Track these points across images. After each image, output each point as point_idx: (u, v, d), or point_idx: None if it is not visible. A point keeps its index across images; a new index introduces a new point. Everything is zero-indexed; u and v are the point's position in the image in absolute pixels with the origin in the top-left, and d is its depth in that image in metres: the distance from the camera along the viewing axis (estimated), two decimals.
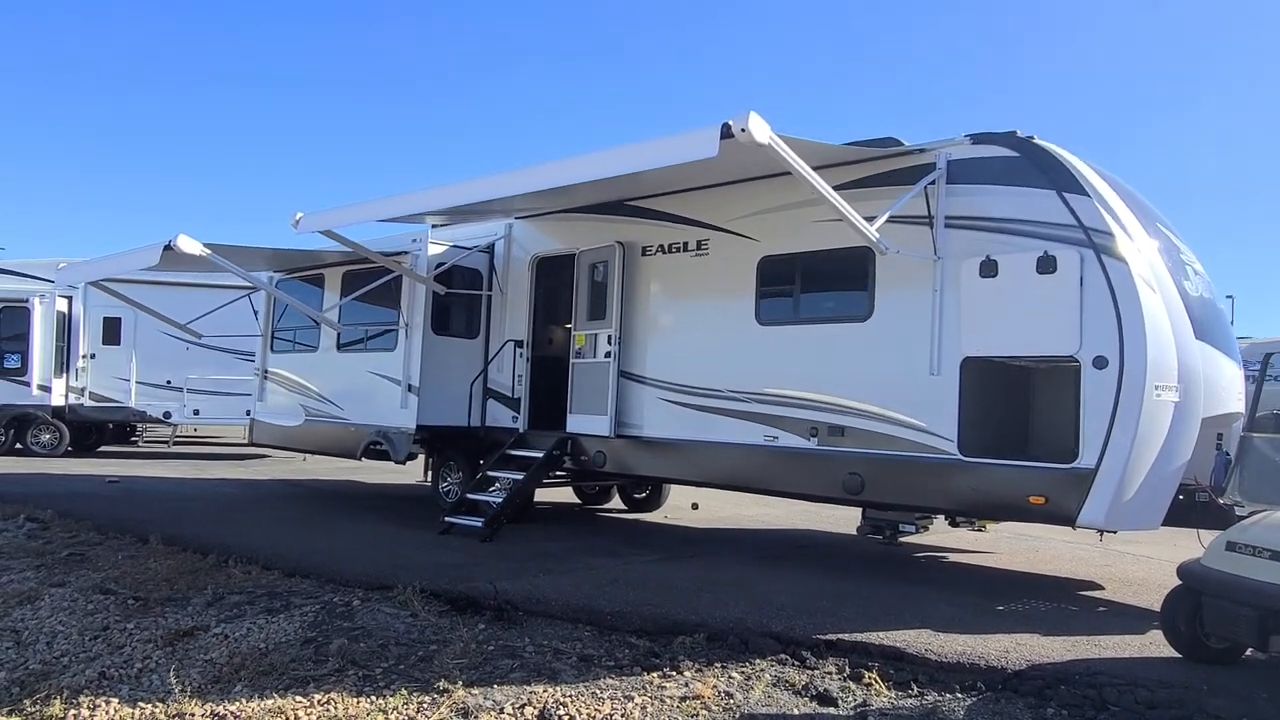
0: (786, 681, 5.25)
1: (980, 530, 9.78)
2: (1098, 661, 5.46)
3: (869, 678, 5.25)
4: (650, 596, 6.83)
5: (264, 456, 20.09)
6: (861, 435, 7.64)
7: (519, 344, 10.68)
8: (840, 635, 5.90)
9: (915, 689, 5.18)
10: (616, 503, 12.71)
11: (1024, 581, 8.07)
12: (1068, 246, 6.67)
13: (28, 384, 18.13)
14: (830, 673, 5.43)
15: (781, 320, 8.36)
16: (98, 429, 20.23)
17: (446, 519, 9.63)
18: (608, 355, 9.49)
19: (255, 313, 13.00)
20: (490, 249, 11.09)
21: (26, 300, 18.03)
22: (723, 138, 5.48)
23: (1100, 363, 6.47)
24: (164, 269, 10.62)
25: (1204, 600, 5.17)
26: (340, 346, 11.76)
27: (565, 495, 13.09)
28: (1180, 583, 5.42)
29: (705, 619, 6.22)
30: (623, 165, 6.31)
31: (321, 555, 8.36)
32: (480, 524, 9.27)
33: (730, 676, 5.33)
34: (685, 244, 9.14)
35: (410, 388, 10.40)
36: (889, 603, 6.81)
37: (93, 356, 18.92)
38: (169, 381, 19.17)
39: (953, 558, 9.24)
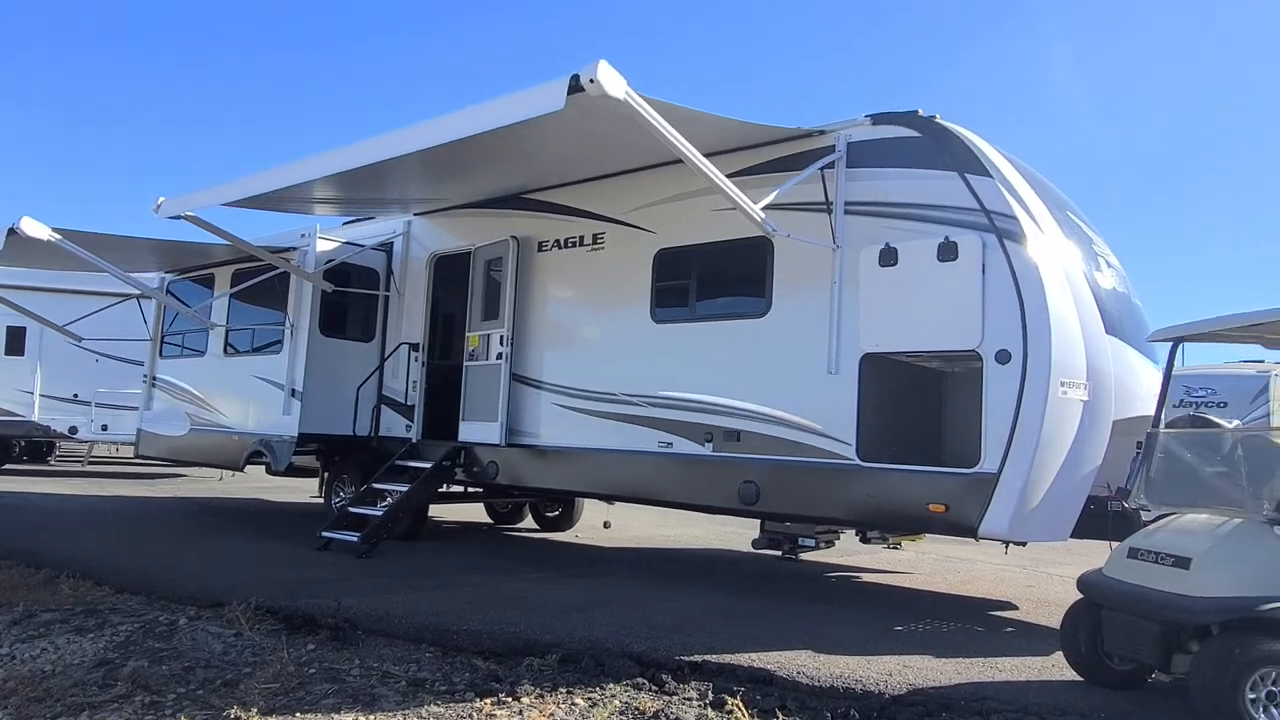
0: (636, 709, 4.57)
1: (895, 548, 9.20)
2: (989, 685, 4.85)
3: (731, 704, 4.59)
4: (514, 615, 6.13)
5: (181, 475, 19.09)
6: (758, 440, 7.03)
7: (414, 348, 9.99)
8: (710, 657, 5.24)
9: (781, 717, 4.53)
10: (530, 522, 11.98)
11: (935, 601, 7.48)
12: (969, 231, 6.15)
13: None
14: (690, 698, 4.76)
15: (677, 318, 7.76)
16: (3, 446, 19.06)
17: (324, 534, 8.85)
18: (499, 357, 8.83)
19: (145, 318, 12.19)
20: (389, 247, 10.43)
21: None
22: (571, 91, 4.89)
23: (1003, 357, 5.93)
24: (16, 262, 9.80)
25: (1104, 615, 4.60)
26: (227, 350, 10.99)
27: (478, 514, 12.36)
28: (1081, 596, 4.85)
29: (564, 639, 5.53)
30: (470, 126, 5.69)
31: (173, 570, 7.56)
32: (357, 539, 8.50)
33: (574, 703, 4.64)
34: (581, 238, 8.55)
35: (294, 392, 9.65)
36: (777, 623, 6.16)
37: None
38: (76, 395, 18.10)
39: (866, 577, 8.63)
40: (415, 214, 10.27)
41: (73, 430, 18.28)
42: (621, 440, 7.91)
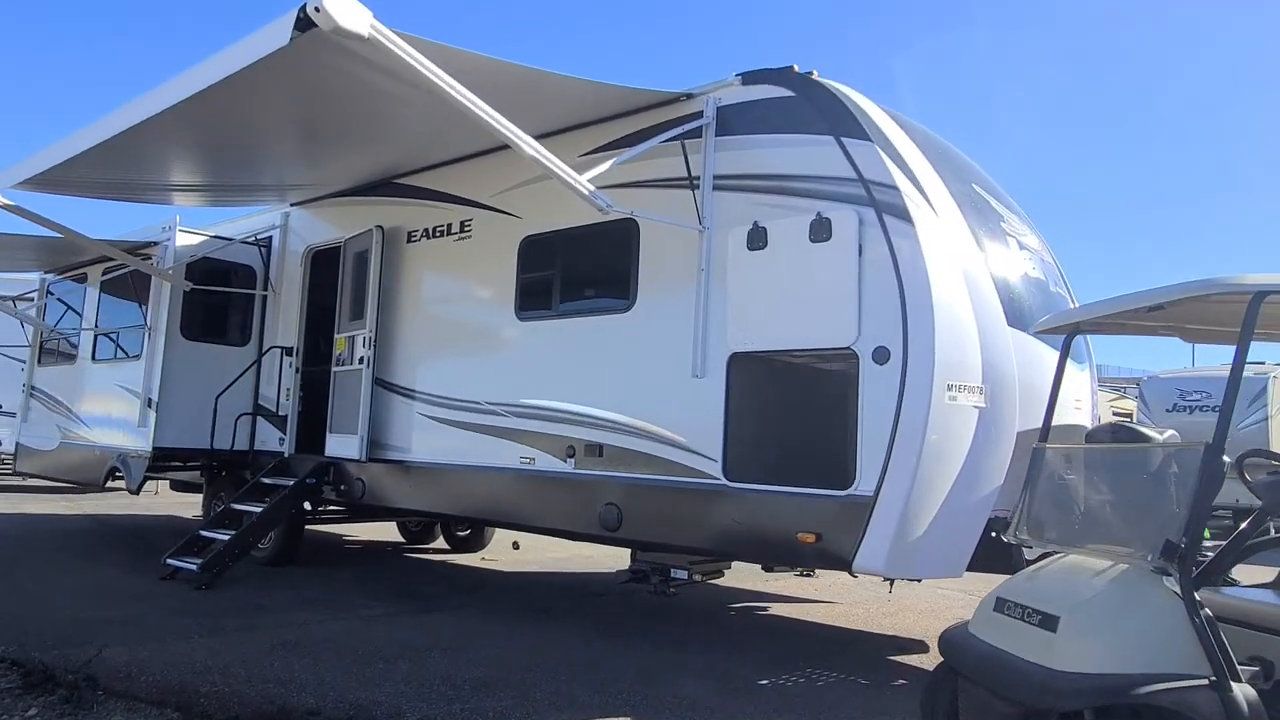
0: None
1: (807, 575, 8.19)
2: None
3: None
4: (300, 669, 5.12)
5: (113, 490, 18.07)
6: (620, 456, 6.03)
7: (288, 352, 9.02)
8: None
9: None
10: (442, 542, 10.99)
11: (833, 641, 6.45)
12: (844, 206, 5.14)
13: None
14: None
15: (542, 314, 6.77)
16: None
17: (168, 561, 7.87)
18: (362, 361, 7.86)
19: (21, 322, 11.29)
20: (267, 242, 9.48)
21: None
22: (301, 28, 3.92)
23: (881, 356, 4.91)
24: None
25: (961, 685, 3.57)
26: (95, 356, 10.06)
27: (391, 532, 11.39)
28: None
29: (334, 703, 4.53)
30: (208, 76, 4.73)
31: None
32: (197, 568, 7.53)
33: None
34: (449, 226, 7.57)
35: (150, 402, 8.69)
36: (613, 677, 5.14)
37: None
38: (1, 406, 17.23)
39: (776, 609, 7.60)
40: (293, 204, 9.33)
41: None
42: (484, 455, 6.91)
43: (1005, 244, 5.59)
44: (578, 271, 6.67)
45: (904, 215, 4.98)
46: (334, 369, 8.28)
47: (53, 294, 11.15)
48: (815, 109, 5.42)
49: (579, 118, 6.27)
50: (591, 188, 5.09)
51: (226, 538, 7.78)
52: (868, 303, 4.99)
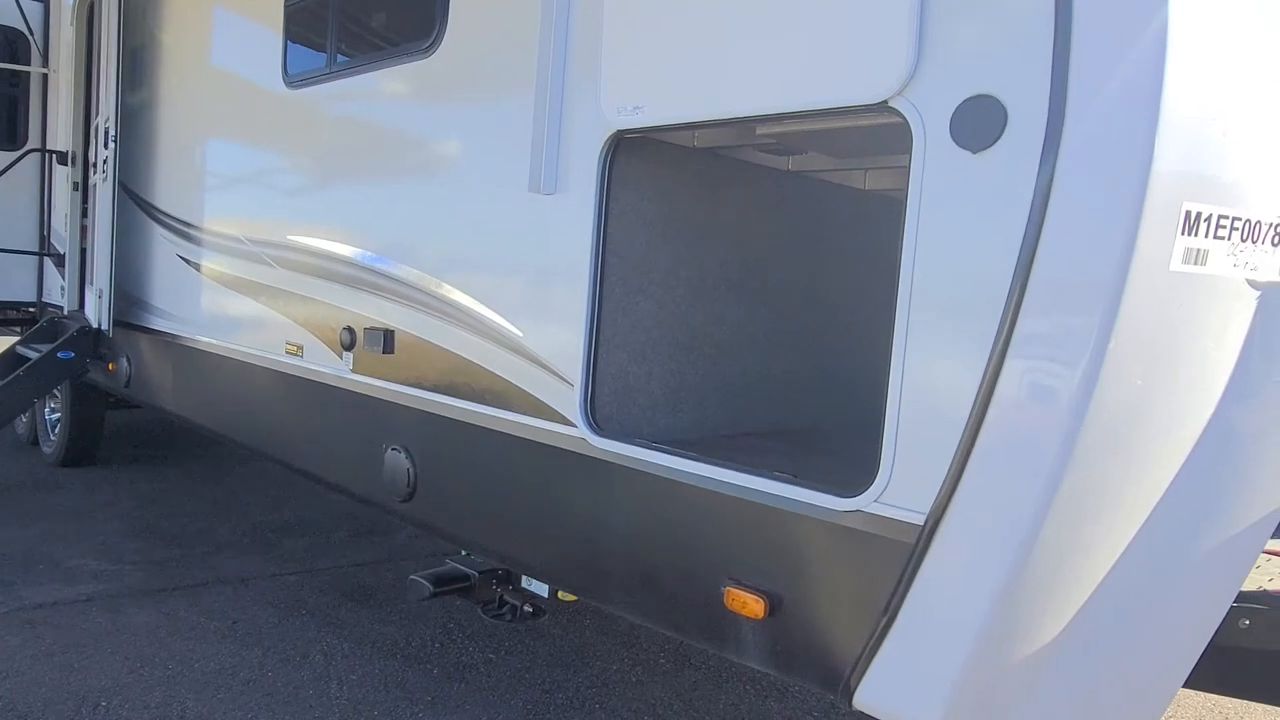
0: None
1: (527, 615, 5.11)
2: None
3: None
4: None
5: None
6: (420, 357, 2.99)
7: (61, 158, 6.05)
8: None
9: None
10: None
11: None
12: None
13: None
14: None
15: (314, 75, 3.59)
16: None
17: None
18: (104, 166, 4.86)
19: None
20: None
21: None
22: None
23: (975, 125, 1.66)
24: None
25: None
26: None
27: None
28: None
29: None
30: None
31: None
32: None
33: None
34: None
35: None
36: None
37: None
38: None
39: None
40: None
41: None
42: (245, 333, 3.96)
43: None
44: None
45: None
46: (91, 181, 5.31)
47: None
48: None
49: None
50: None
51: None
52: None
